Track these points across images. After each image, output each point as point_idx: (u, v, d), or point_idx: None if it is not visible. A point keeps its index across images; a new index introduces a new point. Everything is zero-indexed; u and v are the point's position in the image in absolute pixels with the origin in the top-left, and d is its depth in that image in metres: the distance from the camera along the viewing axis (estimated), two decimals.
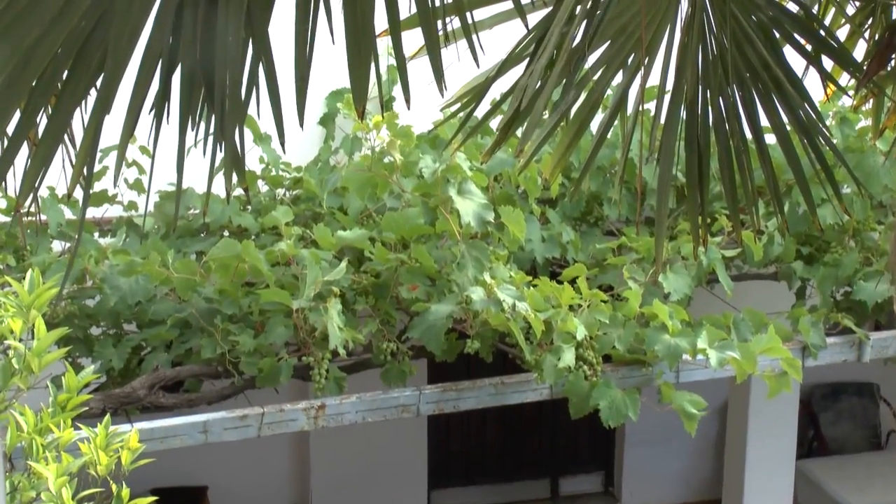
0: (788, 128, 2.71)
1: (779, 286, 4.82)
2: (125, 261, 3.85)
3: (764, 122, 2.72)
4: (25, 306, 2.67)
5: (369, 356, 4.00)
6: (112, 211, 4.59)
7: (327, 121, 5.10)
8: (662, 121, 2.66)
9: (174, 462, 4.96)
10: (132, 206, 4.60)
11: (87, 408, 3.28)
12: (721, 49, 2.52)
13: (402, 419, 4.00)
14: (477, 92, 2.60)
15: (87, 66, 1.89)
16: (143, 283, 3.88)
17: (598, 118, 2.95)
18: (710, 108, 2.57)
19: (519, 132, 2.77)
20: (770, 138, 2.79)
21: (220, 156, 2.04)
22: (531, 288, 3.86)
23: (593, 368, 3.90)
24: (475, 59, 2.05)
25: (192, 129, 2.01)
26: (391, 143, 4.05)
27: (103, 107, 1.89)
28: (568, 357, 3.76)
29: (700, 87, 2.56)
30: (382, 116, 4.03)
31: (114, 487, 2.61)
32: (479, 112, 2.70)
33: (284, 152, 2.13)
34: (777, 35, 2.58)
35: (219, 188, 2.41)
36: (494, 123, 4.64)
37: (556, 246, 4.49)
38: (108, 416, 2.80)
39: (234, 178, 2.09)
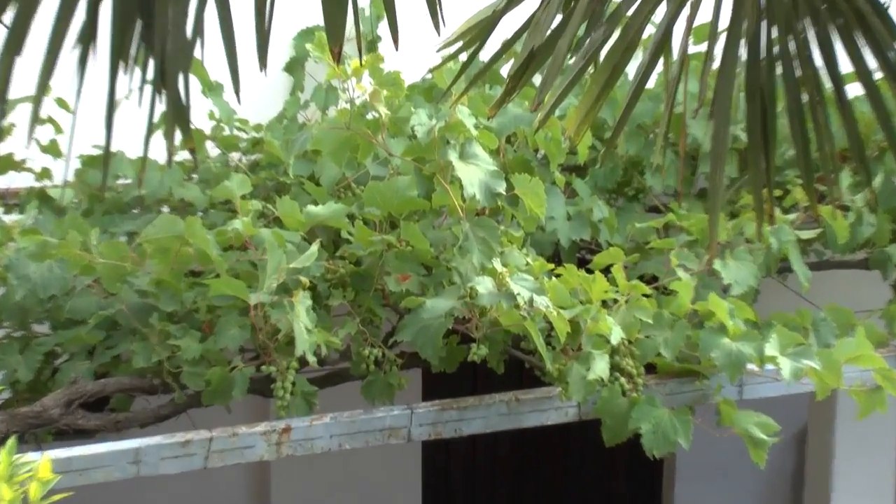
0: (878, 75, 2.76)
1: (870, 277, 4.87)
2: (36, 242, 3.89)
3: (847, 67, 2.76)
4: None
5: (347, 365, 4.05)
6: (20, 180, 4.64)
7: (295, 67, 5.14)
8: (716, 66, 2.70)
9: (99, 500, 5.02)
10: (45, 174, 4.64)
11: None
12: None
13: (390, 445, 4.05)
14: (482, 28, 2.64)
15: None
16: (58, 271, 3.92)
17: (636, 62, 2.99)
18: (775, 49, 2.61)
19: (537, 80, 2.83)
20: (856, 88, 2.83)
21: (159, 110, 2.09)
22: (553, 278, 3.91)
23: (633, 381, 3.95)
24: None
25: (125, 75, 2.06)
26: (375, 95, 4.08)
27: (14, 46, 1.93)
28: (600, 367, 3.79)
29: (764, 23, 2.60)
30: (361, 61, 4.06)
31: None
32: (486, 55, 2.75)
33: (240, 104, 2.18)
34: None
35: (157, 152, 2.46)
36: (506, 70, 4.70)
37: (586, 225, 4.54)
38: (12, 440, 2.81)
39: (178, 138, 2.13)
